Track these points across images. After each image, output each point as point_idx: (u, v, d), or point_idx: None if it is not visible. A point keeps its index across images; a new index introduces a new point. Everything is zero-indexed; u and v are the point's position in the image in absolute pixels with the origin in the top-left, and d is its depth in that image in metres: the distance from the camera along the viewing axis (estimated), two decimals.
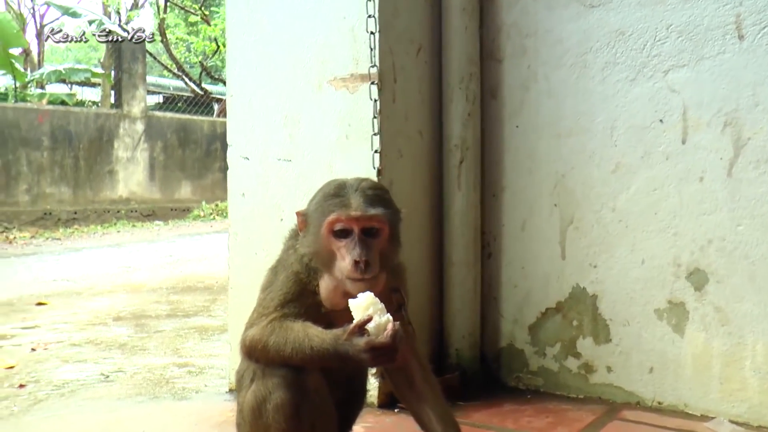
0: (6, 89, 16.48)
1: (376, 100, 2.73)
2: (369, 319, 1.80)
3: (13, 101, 14.58)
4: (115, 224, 13.60)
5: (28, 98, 15.58)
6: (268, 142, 3.10)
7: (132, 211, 14.19)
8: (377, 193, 1.95)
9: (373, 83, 2.78)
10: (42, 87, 17.09)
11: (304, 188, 2.90)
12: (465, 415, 2.81)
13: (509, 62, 3.11)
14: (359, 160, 2.82)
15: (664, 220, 2.80)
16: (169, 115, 16.21)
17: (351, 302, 1.84)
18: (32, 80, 16.47)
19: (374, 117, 2.71)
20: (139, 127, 14.64)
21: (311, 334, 1.87)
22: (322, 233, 1.90)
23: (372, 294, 1.84)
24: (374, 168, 2.78)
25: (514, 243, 3.13)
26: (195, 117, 16.48)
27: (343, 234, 1.89)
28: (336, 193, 1.93)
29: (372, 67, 2.75)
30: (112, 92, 15.67)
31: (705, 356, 2.76)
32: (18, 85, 15.72)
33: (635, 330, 2.88)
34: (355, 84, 2.88)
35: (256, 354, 1.96)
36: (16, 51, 16.21)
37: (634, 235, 2.86)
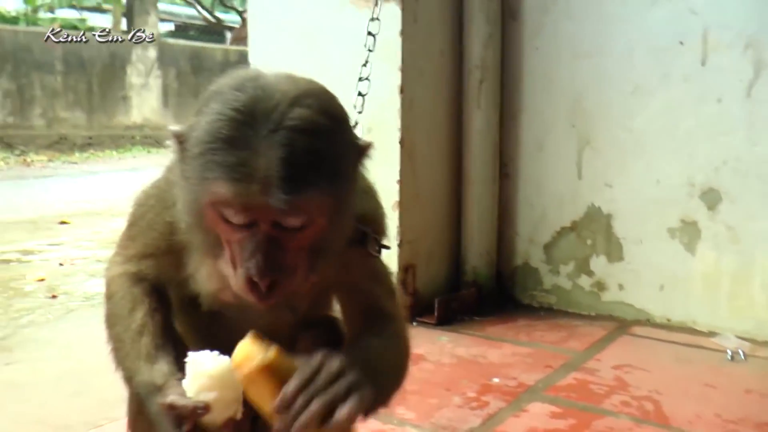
0: (16, 13, 16.37)
1: (374, 19, 2.66)
2: (204, 410, 1.08)
3: (24, 25, 14.51)
4: (130, 149, 13.69)
5: (39, 22, 15.49)
6: (289, 61, 3.12)
7: (146, 137, 14.25)
8: (316, 145, 1.00)
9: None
10: (52, 11, 16.95)
11: None
12: (480, 329, 2.93)
13: None
14: (380, 80, 2.85)
15: (680, 141, 2.84)
16: (182, 42, 16.11)
17: (191, 357, 1.13)
18: (42, 4, 16.34)
19: (368, 34, 2.64)
20: (152, 53, 14.56)
21: (135, 350, 1.23)
22: (203, 209, 1.05)
23: (227, 362, 1.10)
24: (359, 95, 2.75)
25: (532, 163, 3.19)
26: (208, 45, 16.36)
27: (237, 222, 1.03)
28: (232, 136, 0.99)
29: None
30: (123, 19, 15.54)
31: (715, 274, 2.84)
32: (28, 9, 15.60)
33: (647, 249, 2.96)
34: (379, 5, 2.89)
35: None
36: None
37: (650, 155, 2.91)
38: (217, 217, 1.03)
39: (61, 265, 4.52)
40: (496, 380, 2.37)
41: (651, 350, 2.71)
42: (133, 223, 1.34)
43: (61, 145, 13.09)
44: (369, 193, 1.34)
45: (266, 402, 1.06)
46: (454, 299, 3.06)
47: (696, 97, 2.80)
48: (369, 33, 2.75)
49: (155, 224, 1.27)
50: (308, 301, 1.34)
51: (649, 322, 2.98)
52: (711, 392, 2.29)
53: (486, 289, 3.20)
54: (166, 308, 1.31)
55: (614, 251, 3.03)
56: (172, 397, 1.10)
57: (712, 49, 2.77)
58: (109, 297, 1.31)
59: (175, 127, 1.10)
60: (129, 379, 1.23)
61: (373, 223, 1.31)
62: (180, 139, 1.08)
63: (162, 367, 1.18)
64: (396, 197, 2.92)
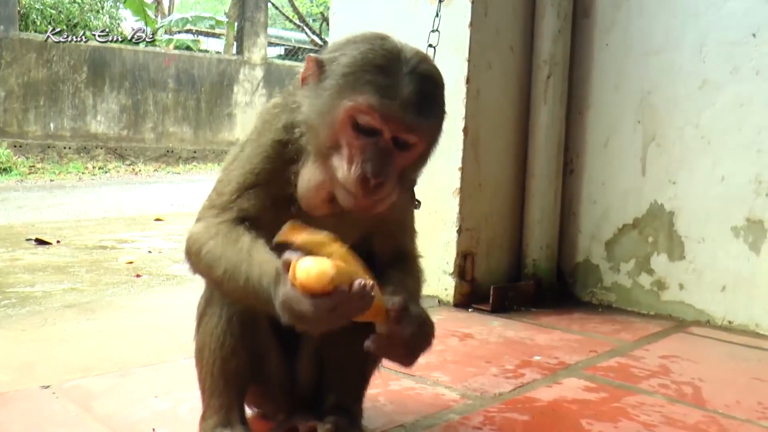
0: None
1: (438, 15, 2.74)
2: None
3: (143, 45, 15.44)
4: None
5: (157, 43, 16.43)
6: None
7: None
8: (435, 91, 1.34)
9: None
10: (170, 34, 17.97)
11: None
12: (534, 318, 2.94)
13: None
14: (447, 70, 2.92)
15: (748, 137, 2.78)
16: (288, 62, 16.74)
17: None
18: (162, 27, 17.34)
19: (432, 31, 2.68)
20: (258, 73, 15.19)
21: (255, 261, 1.32)
22: (338, 114, 1.29)
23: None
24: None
25: (596, 159, 3.19)
26: None
27: (365, 130, 1.29)
28: (383, 66, 1.28)
29: None
30: (235, 43, 16.29)
31: None
32: (149, 31, 16.58)
33: (710, 247, 2.89)
34: None
35: (190, 259, 1.44)
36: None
37: (716, 151, 2.86)
38: (350, 124, 1.29)
39: (149, 252, 4.81)
40: (537, 358, 2.38)
41: (705, 346, 2.65)
42: (229, 167, 1.48)
43: (168, 157, 13.80)
44: None
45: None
46: (511, 289, 3.08)
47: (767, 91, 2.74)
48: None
49: (261, 147, 1.44)
50: (358, 235, 1.50)
51: (709, 324, 2.91)
52: (759, 384, 2.23)
53: (546, 283, 3.20)
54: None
55: (676, 250, 2.98)
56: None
57: None
58: (207, 241, 1.38)
59: (315, 54, 1.37)
60: (253, 291, 1.30)
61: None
62: (321, 63, 1.34)
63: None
64: (457, 184, 2.99)
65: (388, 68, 1.28)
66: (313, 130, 1.35)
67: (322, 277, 1.16)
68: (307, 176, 1.40)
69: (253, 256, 1.32)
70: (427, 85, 1.30)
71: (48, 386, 1.95)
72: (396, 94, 1.26)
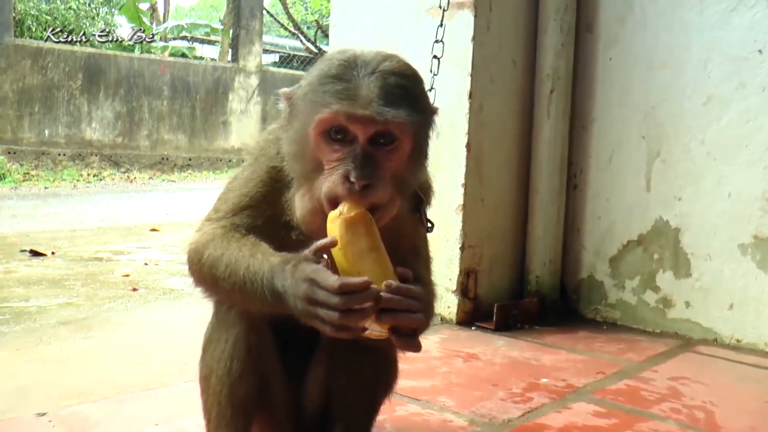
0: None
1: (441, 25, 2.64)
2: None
3: (138, 52, 15.39)
4: (226, 172, 14.19)
5: (153, 50, 16.38)
6: None
7: (243, 161, 14.73)
8: (402, 83, 1.30)
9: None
10: (165, 41, 17.91)
11: None
12: (539, 337, 2.89)
13: None
14: (450, 84, 2.91)
15: (755, 153, 2.75)
16: (283, 70, 16.73)
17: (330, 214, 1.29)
18: (157, 34, 17.29)
19: (435, 41, 2.60)
20: (254, 81, 15.14)
21: (258, 251, 1.35)
22: (309, 133, 1.29)
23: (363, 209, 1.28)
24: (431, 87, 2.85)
25: (601, 175, 3.15)
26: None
27: (340, 140, 1.29)
28: (339, 74, 1.29)
29: None
30: (230, 50, 16.26)
31: None
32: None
33: (717, 265, 2.86)
34: (452, 12, 2.96)
35: (192, 268, 1.44)
36: (144, 6, 17.03)
37: (722, 167, 2.83)
38: (323, 138, 1.29)
39: (146, 264, 4.76)
40: (544, 380, 2.34)
41: (714, 367, 2.61)
42: (228, 187, 1.52)
43: (163, 165, 13.73)
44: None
45: (349, 245, 1.25)
46: (515, 306, 3.03)
47: None
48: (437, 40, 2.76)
49: (255, 173, 1.47)
50: None
51: (716, 342, 2.87)
52: None
53: (549, 299, 3.16)
54: None
55: (682, 267, 2.94)
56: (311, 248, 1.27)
57: None
58: (205, 245, 1.41)
59: (284, 90, 1.40)
60: (253, 276, 1.31)
61: (425, 190, 1.54)
62: (288, 96, 1.39)
63: (287, 255, 1.31)
64: (460, 200, 2.95)
65: (345, 75, 1.29)
66: (294, 158, 1.37)
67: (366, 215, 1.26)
68: (299, 204, 1.40)
69: (255, 249, 1.35)
70: (391, 79, 1.29)
71: (44, 413, 1.90)
72: (357, 94, 1.26)
